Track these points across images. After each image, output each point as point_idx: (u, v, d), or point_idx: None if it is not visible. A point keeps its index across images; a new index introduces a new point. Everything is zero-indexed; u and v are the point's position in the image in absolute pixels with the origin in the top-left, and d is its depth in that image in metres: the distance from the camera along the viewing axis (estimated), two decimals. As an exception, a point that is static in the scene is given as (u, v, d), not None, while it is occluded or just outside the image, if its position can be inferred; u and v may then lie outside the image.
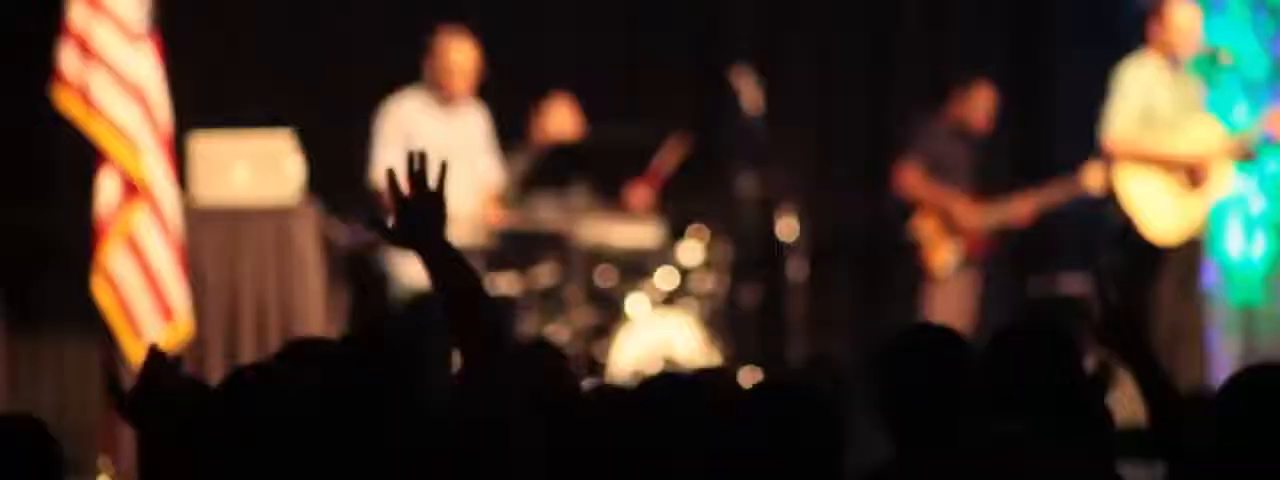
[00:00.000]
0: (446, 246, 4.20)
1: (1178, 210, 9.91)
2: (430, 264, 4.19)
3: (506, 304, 9.98)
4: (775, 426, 4.02)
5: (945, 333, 4.53)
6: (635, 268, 10.40)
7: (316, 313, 8.76)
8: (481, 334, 4.12)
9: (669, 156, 10.79)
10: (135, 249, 8.09)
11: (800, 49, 12.13)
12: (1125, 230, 9.86)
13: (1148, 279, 9.76)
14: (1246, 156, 10.11)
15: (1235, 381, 4.21)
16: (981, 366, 4.48)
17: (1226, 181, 10.15)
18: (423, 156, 4.24)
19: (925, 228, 11.09)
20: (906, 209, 11.15)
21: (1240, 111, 11.12)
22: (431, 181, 4.23)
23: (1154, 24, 9.98)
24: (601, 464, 4.04)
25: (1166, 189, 9.90)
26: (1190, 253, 9.99)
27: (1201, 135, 9.97)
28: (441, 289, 4.16)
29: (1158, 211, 9.89)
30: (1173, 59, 9.98)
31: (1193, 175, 9.90)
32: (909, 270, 11.18)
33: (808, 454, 4.02)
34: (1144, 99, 9.92)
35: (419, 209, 4.21)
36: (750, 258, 11.14)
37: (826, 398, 4.08)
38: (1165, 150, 9.93)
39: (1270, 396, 4.14)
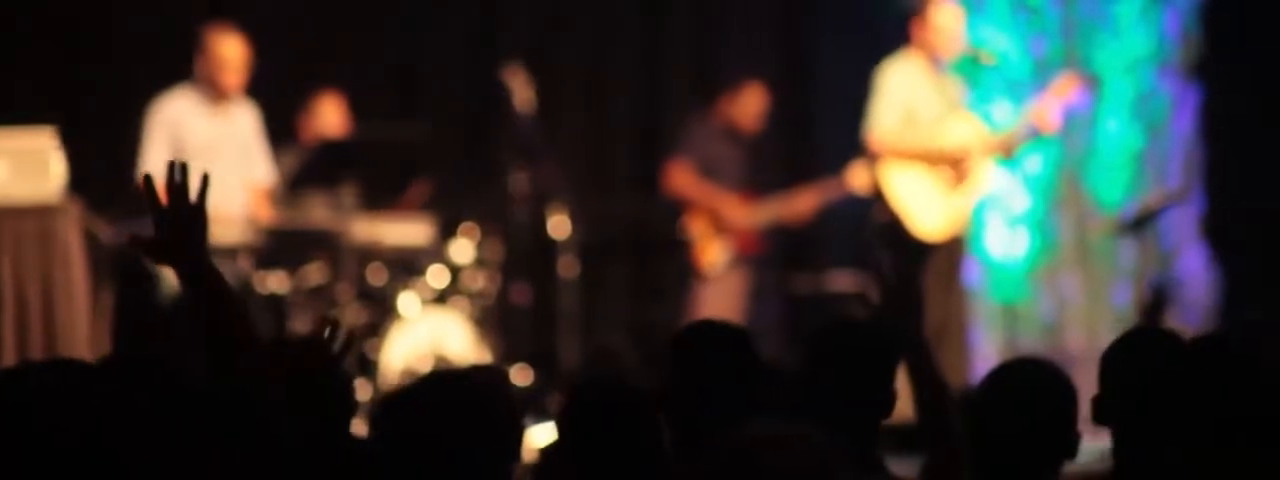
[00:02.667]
0: (205, 262, 4.10)
1: (943, 206, 10.05)
2: (187, 279, 4.10)
3: (279, 304, 9.89)
4: (607, 426, 4.04)
5: (731, 329, 4.56)
6: (406, 266, 10.35)
7: (81, 312, 8.61)
8: (234, 347, 4.06)
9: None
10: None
11: (572, 48, 12.16)
12: (891, 227, 9.98)
13: (916, 275, 9.90)
14: (1008, 154, 10.28)
15: (992, 376, 4.29)
16: (802, 364, 4.50)
17: (988, 178, 10.32)
18: (184, 168, 4.13)
19: (695, 226, 11.17)
20: (677, 208, 11.22)
21: (1002, 110, 11.31)
22: (192, 193, 4.13)
23: (917, 24, 10.11)
24: (377, 460, 4.02)
25: (931, 186, 10.04)
26: (953, 250, 10.14)
27: (963, 133, 10.12)
28: (196, 304, 4.08)
29: (924, 208, 10.02)
30: (935, 59, 10.12)
31: (956, 171, 10.05)
32: (679, 268, 11.26)
33: (632, 453, 4.04)
34: (906, 98, 10.04)
35: (179, 221, 4.11)
36: (522, 256, 11.14)
37: (646, 398, 4.11)
38: (926, 148, 10.06)
39: (1024, 391, 4.23)
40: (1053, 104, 10.18)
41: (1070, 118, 11.25)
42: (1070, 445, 4.21)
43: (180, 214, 4.10)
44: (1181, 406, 4.06)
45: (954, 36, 10.12)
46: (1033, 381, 4.25)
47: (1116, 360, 4.20)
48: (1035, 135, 10.25)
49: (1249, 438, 4.12)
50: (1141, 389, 4.08)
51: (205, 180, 4.15)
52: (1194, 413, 4.06)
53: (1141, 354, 4.15)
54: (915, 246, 9.91)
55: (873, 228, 10.12)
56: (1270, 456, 4.12)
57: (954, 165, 10.04)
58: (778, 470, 3.41)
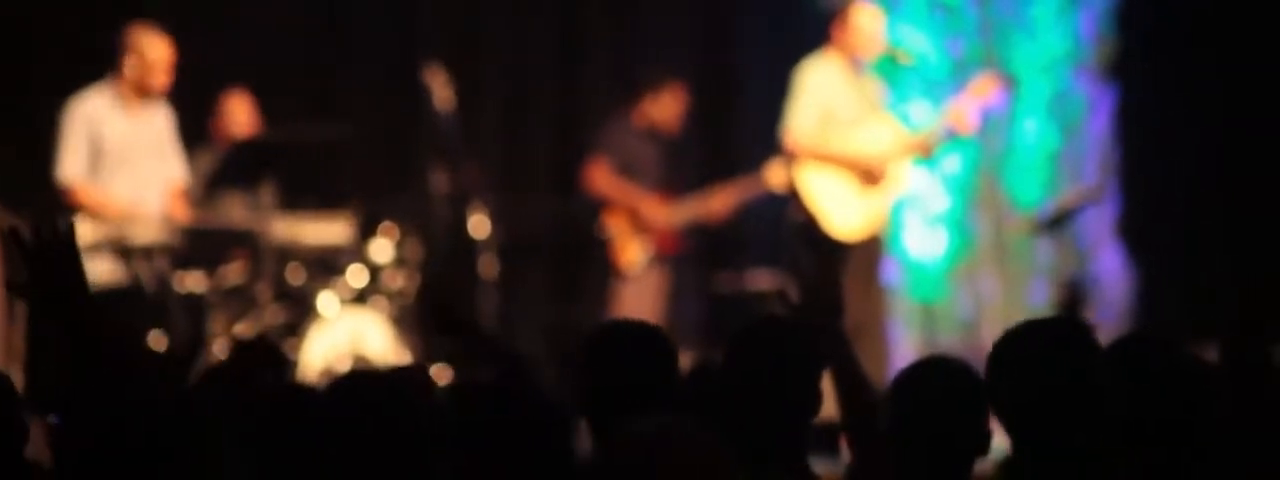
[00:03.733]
0: (80, 302, 3.95)
1: (858, 207, 10.09)
2: (65, 327, 3.95)
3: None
4: (494, 426, 4.05)
5: (645, 329, 4.57)
6: (326, 265, 10.33)
7: (-4, 314, 8.54)
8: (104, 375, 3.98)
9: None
10: None
11: (492, 47, 12.15)
12: (806, 227, 10.02)
13: (834, 274, 9.93)
14: (926, 154, 10.33)
15: (902, 376, 4.33)
16: (727, 364, 4.51)
17: (906, 179, 10.36)
18: (53, 222, 3.97)
19: (615, 225, 11.18)
20: (596, 207, 11.23)
21: (920, 110, 11.37)
22: (62, 234, 3.97)
23: (838, 26, 10.14)
24: (300, 462, 4.02)
25: (847, 186, 10.08)
26: (871, 249, 10.18)
27: (880, 135, 10.16)
28: (72, 345, 3.95)
29: (839, 208, 10.06)
30: (855, 60, 10.15)
31: (869, 174, 10.09)
32: (599, 267, 11.26)
33: (525, 453, 4.05)
34: (824, 98, 10.06)
35: (48, 262, 3.94)
36: (442, 255, 11.13)
37: (543, 399, 4.11)
38: (844, 149, 10.10)
39: (934, 389, 4.26)
40: (970, 105, 10.24)
41: (987, 118, 11.32)
42: (982, 442, 4.25)
43: (48, 252, 3.95)
44: (1088, 402, 4.08)
45: (874, 38, 10.15)
46: (942, 380, 4.28)
47: (1018, 351, 4.21)
48: (953, 136, 10.30)
49: (1158, 436, 4.16)
50: (1047, 382, 4.09)
51: (71, 225, 4.00)
52: (1103, 409, 4.09)
53: (1048, 346, 4.17)
54: (831, 246, 9.94)
55: (789, 227, 10.15)
56: (1179, 455, 4.17)
57: (867, 168, 10.08)
58: (668, 467, 3.43)
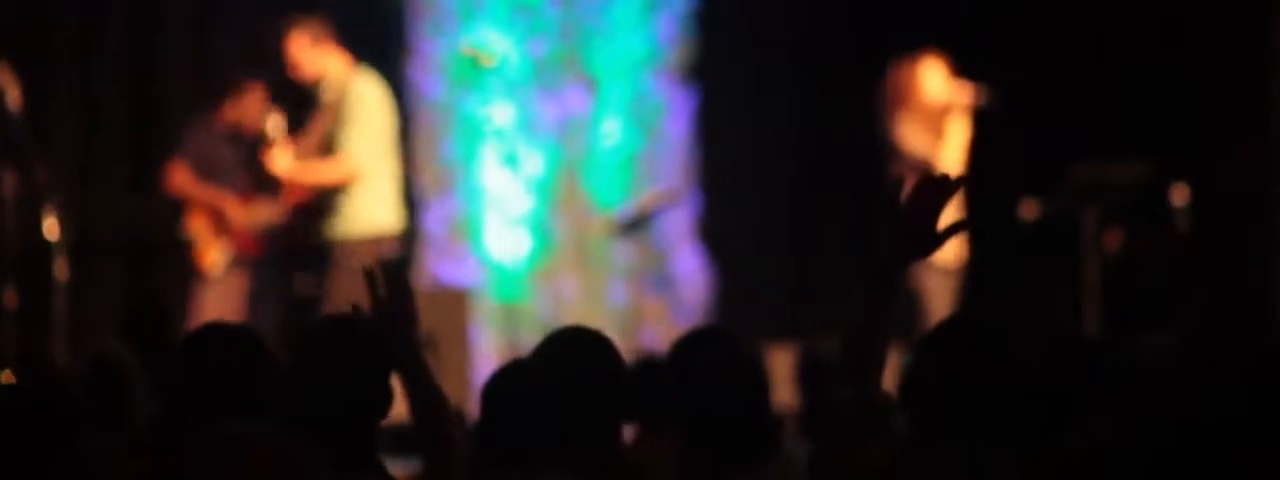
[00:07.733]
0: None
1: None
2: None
3: None
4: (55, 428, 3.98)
5: (234, 331, 4.54)
6: (-113, 270, 10.01)
7: None
8: None
9: None
10: None
11: (63, 45, 11.91)
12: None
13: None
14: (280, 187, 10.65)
15: (494, 379, 4.39)
16: (296, 363, 4.48)
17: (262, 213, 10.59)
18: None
19: (196, 227, 11.07)
20: (177, 208, 11.11)
21: (501, 113, 11.45)
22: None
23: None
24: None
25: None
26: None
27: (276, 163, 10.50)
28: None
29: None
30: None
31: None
32: (179, 270, 11.14)
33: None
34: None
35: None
36: (11, 258, 10.86)
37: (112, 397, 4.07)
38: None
39: (510, 394, 4.32)
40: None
41: (570, 120, 11.45)
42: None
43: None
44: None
45: (306, 68, 10.49)
46: (525, 384, 4.35)
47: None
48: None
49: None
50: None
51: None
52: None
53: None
54: None
55: None
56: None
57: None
58: (242, 469, 3.41)
